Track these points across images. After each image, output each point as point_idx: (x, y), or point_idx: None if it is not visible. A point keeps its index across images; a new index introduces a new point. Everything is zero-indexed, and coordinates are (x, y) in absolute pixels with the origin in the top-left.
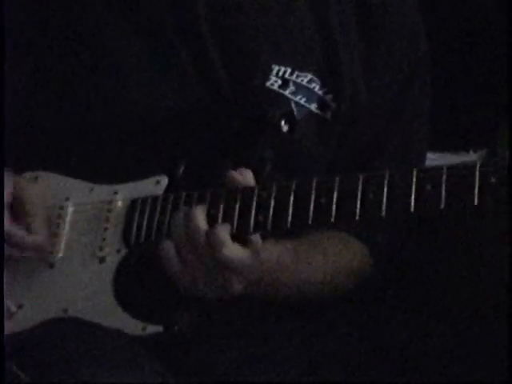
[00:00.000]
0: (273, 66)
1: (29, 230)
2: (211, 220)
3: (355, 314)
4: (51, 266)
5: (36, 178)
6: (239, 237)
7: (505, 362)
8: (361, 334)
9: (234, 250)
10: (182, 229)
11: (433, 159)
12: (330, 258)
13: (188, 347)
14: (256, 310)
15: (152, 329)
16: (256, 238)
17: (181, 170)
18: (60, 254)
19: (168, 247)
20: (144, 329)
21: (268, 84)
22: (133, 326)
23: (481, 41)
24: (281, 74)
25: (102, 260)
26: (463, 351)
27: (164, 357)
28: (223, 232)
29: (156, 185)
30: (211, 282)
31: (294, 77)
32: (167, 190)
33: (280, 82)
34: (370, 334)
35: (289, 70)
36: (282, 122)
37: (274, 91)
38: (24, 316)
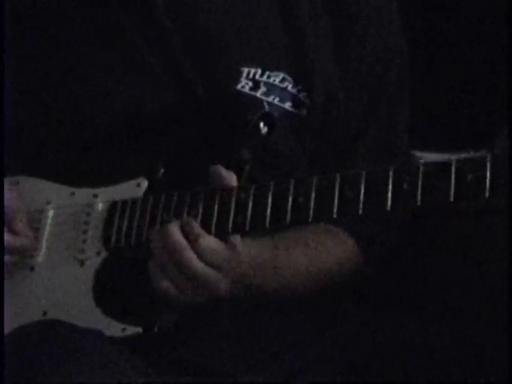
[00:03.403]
0: (242, 68)
1: (13, 233)
2: None
3: (348, 313)
4: (31, 269)
5: (17, 182)
6: (218, 237)
7: (505, 362)
8: (354, 332)
9: (210, 241)
10: (160, 247)
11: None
12: (314, 248)
13: (173, 346)
14: (243, 308)
15: (131, 330)
16: (235, 237)
17: (160, 173)
18: (40, 258)
19: (152, 268)
20: (123, 330)
21: (239, 87)
22: (112, 328)
23: (480, 43)
24: (251, 75)
25: (82, 263)
26: (462, 350)
27: (148, 356)
28: (198, 226)
29: (136, 187)
30: (198, 290)
31: (264, 77)
32: (147, 192)
33: (251, 83)
34: (365, 332)
35: (259, 71)
36: (261, 124)
37: (245, 94)
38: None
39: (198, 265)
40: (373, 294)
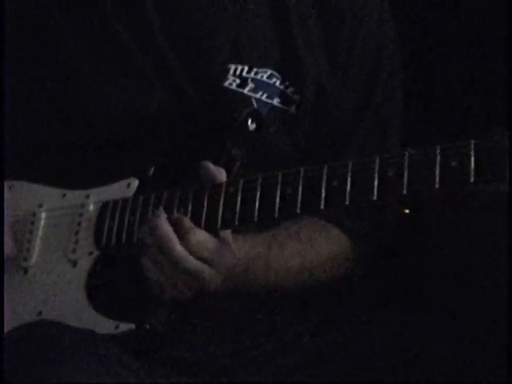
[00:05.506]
0: (229, 65)
1: None
2: None
3: (345, 312)
4: (25, 271)
5: (10, 187)
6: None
7: (505, 362)
8: (350, 331)
9: (200, 236)
10: (151, 241)
11: None
12: (306, 245)
13: (165, 343)
14: (237, 306)
15: (124, 327)
16: (225, 232)
17: (151, 172)
18: (33, 260)
19: (145, 263)
20: (117, 327)
21: (226, 84)
22: (105, 325)
23: (480, 43)
24: (238, 72)
25: (74, 263)
26: (461, 349)
27: (140, 354)
28: (189, 221)
29: (127, 187)
30: (190, 284)
31: (252, 74)
32: (138, 191)
33: (238, 80)
34: (362, 332)
35: (246, 68)
36: (249, 121)
37: (232, 91)
38: None
39: (190, 259)
40: (370, 293)
